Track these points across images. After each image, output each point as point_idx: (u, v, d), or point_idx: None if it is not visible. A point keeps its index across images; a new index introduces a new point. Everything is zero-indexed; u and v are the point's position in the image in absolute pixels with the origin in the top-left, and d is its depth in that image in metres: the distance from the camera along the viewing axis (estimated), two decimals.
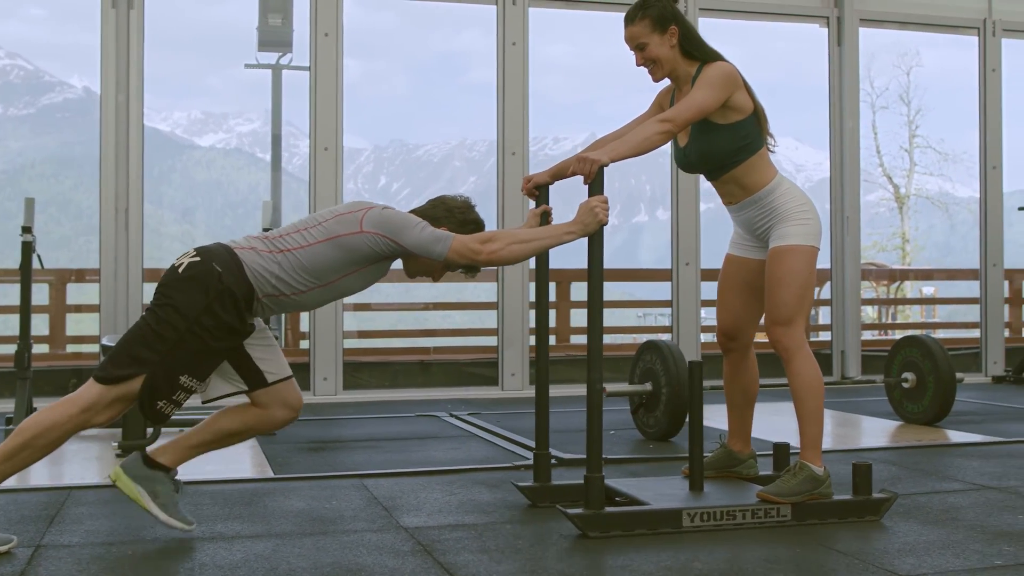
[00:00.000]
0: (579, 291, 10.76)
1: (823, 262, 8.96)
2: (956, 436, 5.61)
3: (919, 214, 39.94)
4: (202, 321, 3.12)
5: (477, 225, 3.44)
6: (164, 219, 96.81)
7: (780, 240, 3.66)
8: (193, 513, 3.63)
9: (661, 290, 8.87)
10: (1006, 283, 10.27)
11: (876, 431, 5.99)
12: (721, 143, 3.65)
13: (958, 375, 6.00)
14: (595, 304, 3.36)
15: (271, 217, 6.04)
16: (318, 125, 7.52)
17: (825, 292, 12.39)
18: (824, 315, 11.58)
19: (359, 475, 4.38)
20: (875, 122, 36.00)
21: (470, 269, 3.40)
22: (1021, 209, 8.94)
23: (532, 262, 3.71)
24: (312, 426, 5.97)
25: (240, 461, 4.75)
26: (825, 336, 10.84)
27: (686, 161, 3.79)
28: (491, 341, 8.06)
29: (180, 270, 3.18)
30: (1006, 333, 10.06)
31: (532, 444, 5.12)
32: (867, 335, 14.54)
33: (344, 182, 7.54)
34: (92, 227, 7.14)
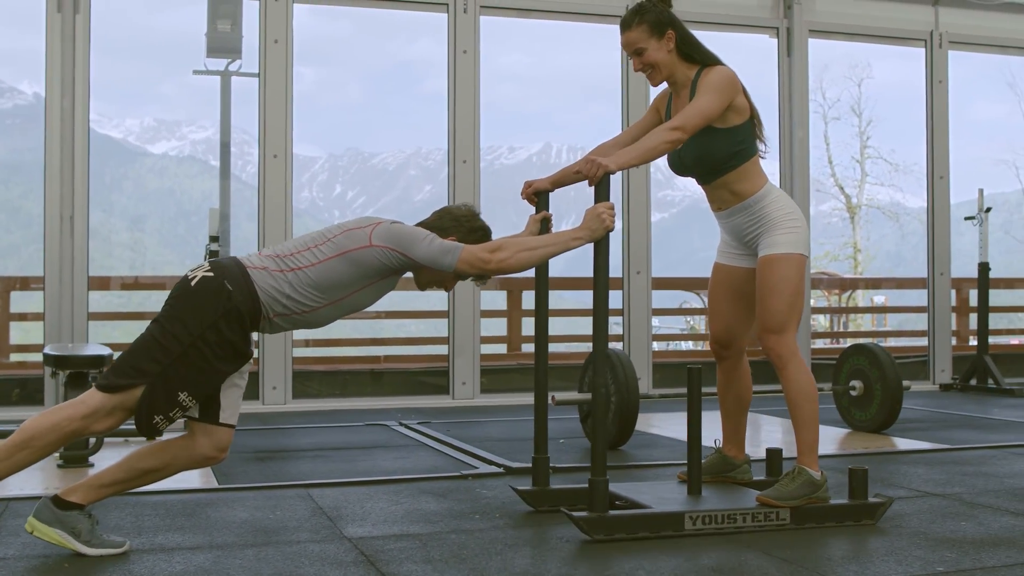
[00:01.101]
0: (529, 300, 10.76)
1: None
2: (903, 443, 5.65)
3: (871, 224, 40.39)
4: (206, 336, 3.09)
5: (484, 232, 3.47)
6: (115, 227, 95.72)
7: (770, 248, 3.70)
8: (134, 525, 3.58)
9: (614, 299, 8.87)
10: (953, 292, 10.38)
11: (824, 439, 5.93)
12: (717, 147, 3.68)
13: (905, 383, 6.05)
14: (600, 310, 3.41)
15: (218, 225, 5.98)
16: (267, 132, 7.46)
17: None
18: None
19: (305, 485, 4.33)
20: (827, 133, 36.43)
21: (480, 277, 3.42)
22: (968, 219, 9.03)
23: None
24: (260, 436, 5.91)
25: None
26: None
27: (680, 164, 3.82)
28: (442, 350, 8.03)
29: (193, 283, 3.16)
30: (953, 341, 10.17)
31: (481, 453, 5.14)
32: (819, 343, 14.67)
33: (299, 190, 7.53)
34: (41, 235, 7.02)
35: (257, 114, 7.50)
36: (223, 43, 8.66)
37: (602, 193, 3.38)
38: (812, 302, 20.33)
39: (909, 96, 9.22)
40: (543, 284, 3.98)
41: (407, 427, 6.26)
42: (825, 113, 36.96)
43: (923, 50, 9.22)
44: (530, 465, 4.68)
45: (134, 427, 3.15)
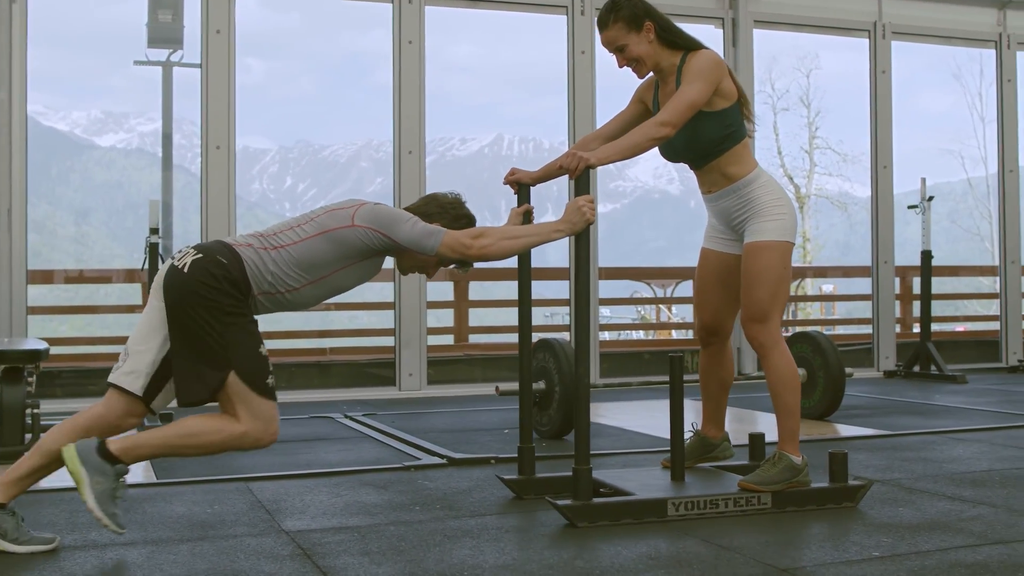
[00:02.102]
0: (477, 291, 10.74)
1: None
2: (845, 430, 5.70)
3: (820, 214, 40.74)
4: (224, 306, 3.13)
5: (469, 220, 3.50)
6: (61, 220, 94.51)
7: (755, 235, 3.71)
8: (68, 521, 3.52)
9: (561, 289, 8.88)
10: (898, 280, 10.49)
11: (769, 426, 6.03)
12: (707, 131, 3.69)
13: (847, 370, 6.10)
14: (582, 301, 3.45)
15: (159, 217, 5.91)
16: (210, 123, 7.38)
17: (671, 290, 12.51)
18: None
19: (244, 478, 4.29)
20: (776, 124, 36.64)
21: (462, 264, 3.48)
22: (911, 208, 9.12)
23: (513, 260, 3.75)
24: None
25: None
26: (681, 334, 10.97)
27: (671, 150, 3.82)
28: (389, 341, 7.99)
29: (185, 270, 3.16)
30: (898, 329, 10.28)
31: (424, 444, 5.11)
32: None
33: (249, 183, 7.47)
34: None
35: (199, 105, 7.40)
36: (164, 33, 8.54)
37: (583, 186, 3.42)
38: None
39: (856, 87, 9.28)
40: (526, 275, 3.98)
41: (352, 419, 6.22)
42: (774, 104, 37.19)
43: (867, 40, 9.29)
44: (474, 456, 4.71)
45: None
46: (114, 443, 3.17)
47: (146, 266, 5.84)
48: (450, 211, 3.48)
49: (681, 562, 2.97)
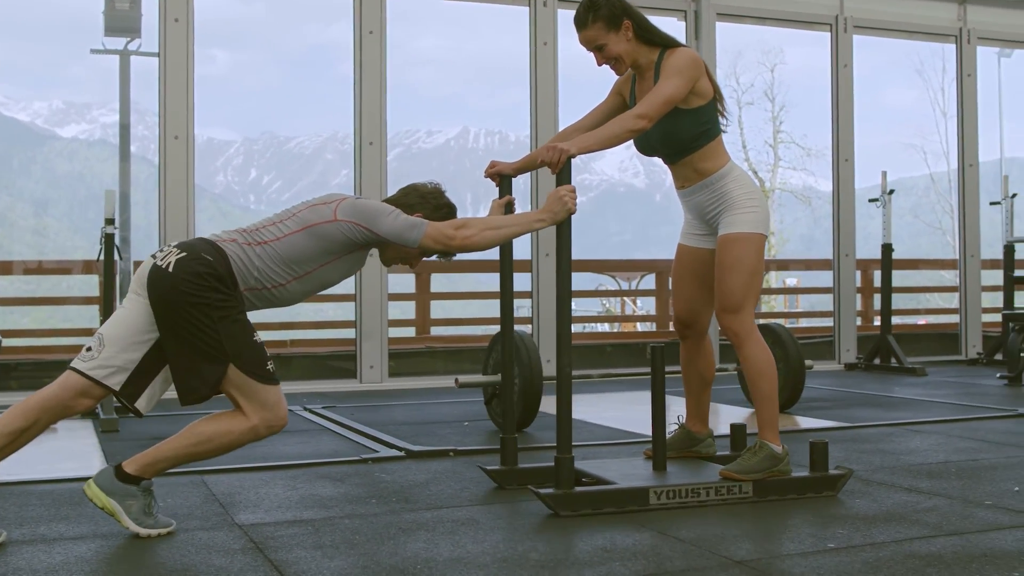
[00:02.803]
0: (438, 283, 10.71)
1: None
2: (805, 422, 5.71)
3: (784, 208, 41.01)
4: (213, 301, 3.10)
5: (450, 209, 3.51)
6: (23, 212, 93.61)
7: (729, 228, 3.77)
8: (17, 516, 3.47)
9: (523, 281, 8.85)
10: (859, 273, 10.54)
11: (730, 418, 6.04)
12: (683, 128, 3.73)
13: (807, 362, 6.11)
14: (563, 292, 3.47)
15: (115, 207, 5.83)
16: (168, 113, 7.29)
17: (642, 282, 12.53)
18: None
19: (199, 471, 4.23)
20: (741, 118, 36.81)
21: (445, 255, 3.45)
22: (872, 201, 9.16)
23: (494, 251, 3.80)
24: (157, 422, 5.77)
25: (74, 459, 4.57)
26: (646, 327, 11.00)
27: (647, 144, 3.86)
28: (350, 333, 7.94)
29: (170, 268, 3.12)
30: (859, 322, 10.33)
31: (383, 436, 5.08)
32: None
33: (213, 175, 7.41)
34: None
35: (157, 95, 7.31)
36: (122, 22, 8.43)
37: (564, 177, 3.43)
38: None
39: (820, 82, 9.31)
40: (507, 266, 3.99)
41: (311, 412, 6.18)
42: (739, 98, 37.36)
43: (828, 34, 9.32)
44: (432, 448, 4.69)
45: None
46: (131, 464, 3.19)
47: (102, 257, 5.76)
48: (431, 201, 3.49)
49: (636, 554, 2.95)
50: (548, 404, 6.45)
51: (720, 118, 3.85)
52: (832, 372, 8.80)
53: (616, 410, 6.19)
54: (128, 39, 8.46)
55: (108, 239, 5.74)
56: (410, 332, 10.15)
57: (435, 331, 10.09)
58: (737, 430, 4.18)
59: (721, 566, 2.83)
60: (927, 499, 3.67)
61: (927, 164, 43.83)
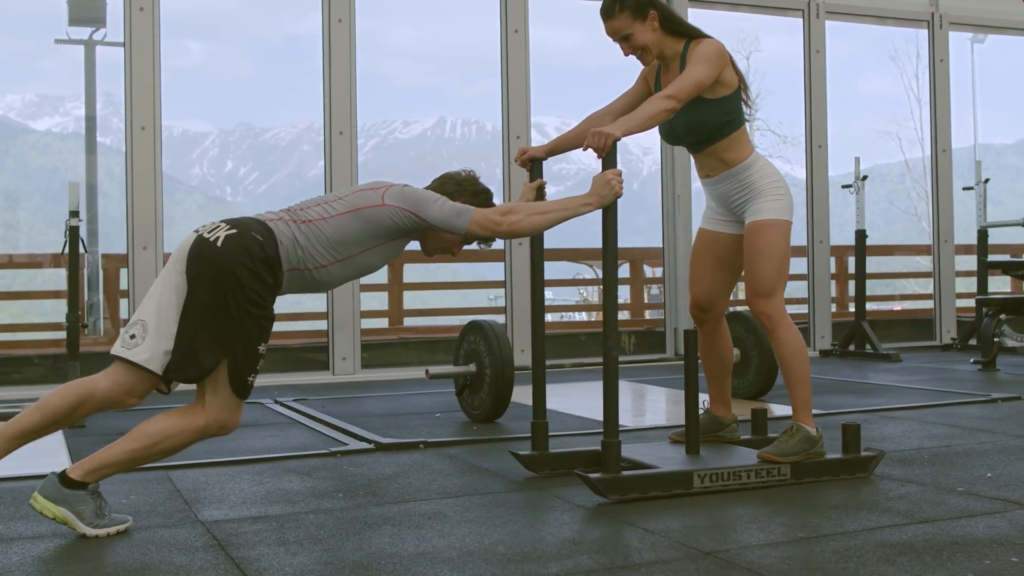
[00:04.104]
0: (411, 273, 10.64)
1: (655, 240, 9.03)
2: (779, 409, 5.68)
3: None
4: (255, 287, 3.09)
5: (487, 195, 3.54)
6: None
7: (757, 215, 3.83)
8: None
9: (496, 271, 8.81)
10: (833, 260, 10.53)
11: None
12: (708, 117, 3.79)
13: None
14: (610, 275, 3.48)
15: (79, 199, 5.74)
16: (134, 104, 7.19)
17: (659, 271, 12.50)
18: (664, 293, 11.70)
19: (164, 467, 4.16)
20: None
21: (486, 240, 3.47)
22: (845, 187, 9.15)
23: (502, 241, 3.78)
24: (124, 417, 5.67)
25: (39, 456, 4.48)
26: (657, 314, 10.98)
27: (672, 133, 3.91)
28: (323, 325, 7.87)
29: (218, 243, 3.10)
30: (833, 308, 10.32)
31: (353, 429, 5.02)
32: None
33: (189, 167, 7.32)
34: None
35: (123, 85, 7.21)
36: (86, 12, 8.30)
37: (610, 161, 3.44)
38: None
39: (795, 69, 9.28)
40: (538, 253, 4.01)
41: (282, 405, 6.11)
42: None
43: (801, 20, 9.29)
44: (402, 441, 4.64)
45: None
46: (76, 470, 3.11)
47: (66, 250, 5.68)
48: (468, 188, 3.51)
49: (604, 547, 2.91)
50: (526, 394, 6.43)
51: (745, 107, 3.90)
52: (812, 358, 8.77)
53: (588, 400, 6.14)
54: (93, 29, 8.34)
55: (73, 232, 5.66)
56: (383, 323, 10.08)
57: (408, 322, 10.02)
58: (758, 414, 4.26)
59: (689, 557, 2.79)
60: (900, 486, 3.65)
61: (902, 151, 43.97)
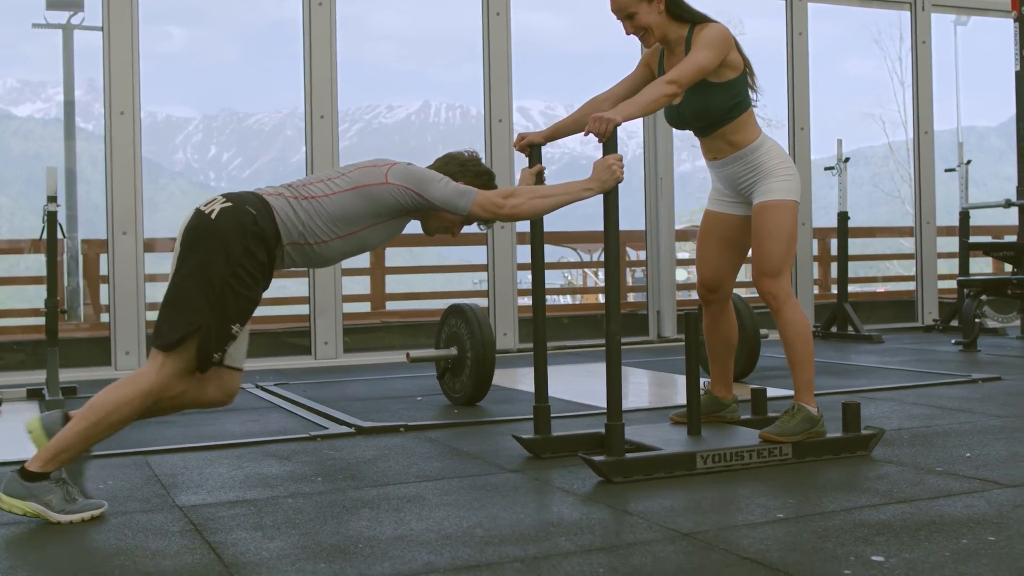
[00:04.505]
0: (394, 257, 10.61)
1: (638, 223, 9.03)
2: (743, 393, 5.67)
3: None
4: (243, 263, 3.09)
5: (489, 176, 3.55)
6: None
7: (765, 195, 3.84)
8: None
9: (478, 254, 8.79)
10: (815, 241, 10.54)
11: (684, 389, 6.01)
12: (715, 101, 3.79)
13: (762, 331, 6.09)
14: (611, 259, 3.48)
15: (56, 184, 5.69)
16: (113, 88, 7.15)
17: (642, 254, 12.52)
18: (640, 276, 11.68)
19: (142, 452, 4.15)
20: None
21: (487, 222, 3.51)
22: (828, 169, 9.15)
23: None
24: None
25: (16, 442, 4.45)
26: (640, 296, 10.98)
27: (679, 118, 3.92)
28: (304, 309, 7.85)
29: (213, 216, 3.12)
30: (816, 290, 10.34)
31: (333, 413, 5.00)
32: (694, 294, 14.81)
33: (172, 152, 7.30)
34: None
35: (101, 70, 7.16)
36: None
37: (610, 146, 3.46)
38: (684, 255, 20.44)
39: (779, 53, 9.26)
40: (538, 238, 4.02)
41: (263, 389, 6.09)
42: None
43: (783, 2, 9.28)
44: (382, 424, 4.63)
45: None
46: (34, 462, 3.08)
47: (44, 236, 5.63)
48: (471, 169, 3.51)
49: (583, 529, 2.90)
50: (507, 378, 6.43)
51: (751, 91, 3.90)
52: None
53: (568, 383, 6.14)
54: (71, 13, 8.27)
55: (51, 217, 5.61)
56: (365, 307, 10.05)
57: (391, 306, 9.99)
58: (758, 395, 4.30)
59: (668, 539, 2.79)
60: (879, 466, 3.65)
61: (885, 133, 44.07)
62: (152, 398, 3.11)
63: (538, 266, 4.05)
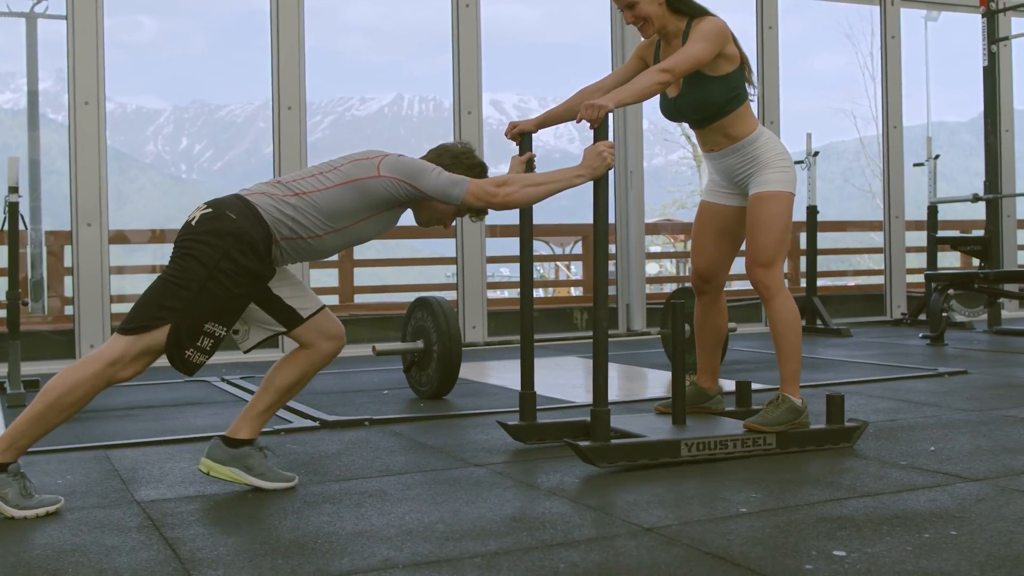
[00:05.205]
0: (361, 250, 10.53)
1: (608, 217, 9.00)
2: (727, 385, 5.65)
3: None
4: (222, 267, 3.10)
5: (483, 168, 3.54)
6: None
7: (761, 187, 3.87)
8: None
9: (448, 246, 8.75)
10: None
11: (657, 382, 6.03)
12: (713, 94, 3.82)
13: (730, 324, 6.06)
14: (600, 247, 3.52)
15: (17, 175, 5.61)
16: (77, 78, 7.06)
17: (611, 248, 12.48)
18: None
19: (103, 446, 4.10)
20: None
21: (480, 212, 3.53)
22: (797, 163, 9.15)
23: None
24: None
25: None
26: (610, 290, 10.96)
27: (676, 111, 3.95)
28: None
29: (194, 223, 3.17)
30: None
31: (298, 407, 4.96)
32: (668, 288, 14.80)
33: (143, 144, 7.23)
34: None
35: (66, 59, 7.08)
36: None
37: (601, 133, 3.48)
38: (656, 248, 20.40)
39: (750, 48, 9.25)
40: (527, 230, 4.05)
41: (228, 383, 6.04)
42: None
43: None
44: (347, 418, 4.59)
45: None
46: (235, 429, 3.29)
47: (6, 227, 5.55)
48: (464, 160, 3.50)
49: (545, 524, 2.88)
50: (475, 371, 6.40)
51: (748, 85, 3.92)
52: (758, 334, 8.81)
53: (538, 377, 6.10)
54: (35, 1, 8.17)
55: (12, 208, 5.54)
56: (334, 300, 10.00)
57: (361, 299, 9.94)
58: (742, 387, 4.33)
59: (631, 533, 2.77)
60: (844, 460, 3.65)
61: (857, 128, 44.30)
62: (105, 379, 3.08)
63: (526, 257, 4.07)
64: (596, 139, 3.49)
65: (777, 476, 3.42)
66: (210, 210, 3.18)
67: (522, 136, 3.99)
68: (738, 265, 4.33)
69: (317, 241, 3.27)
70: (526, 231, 4.05)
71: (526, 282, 4.07)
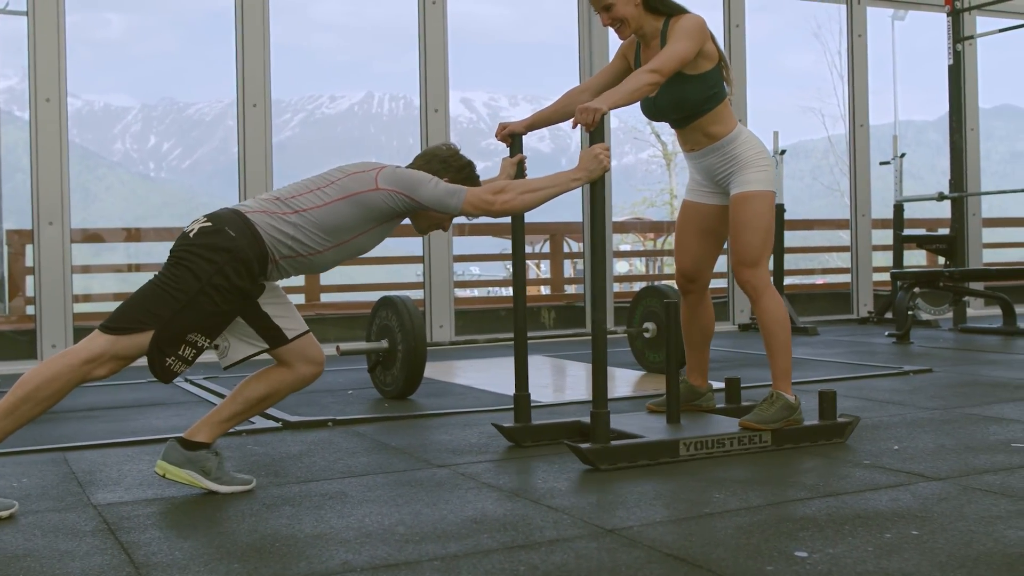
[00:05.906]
0: None
1: (576, 215, 8.99)
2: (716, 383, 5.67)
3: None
4: (215, 282, 3.09)
5: (470, 167, 3.54)
6: None
7: (743, 186, 3.89)
8: None
9: (414, 245, 8.72)
10: None
11: (621, 381, 6.01)
12: (692, 92, 3.83)
13: None
14: (597, 248, 3.53)
15: None
16: (38, 74, 6.98)
17: (575, 246, 12.52)
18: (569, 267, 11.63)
19: (61, 448, 4.04)
20: None
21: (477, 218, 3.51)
22: None
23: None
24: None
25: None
26: (578, 289, 10.95)
27: (655, 109, 3.94)
28: None
29: (192, 235, 3.16)
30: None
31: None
32: (637, 286, 14.82)
33: (111, 142, 7.17)
34: None
35: (26, 55, 7.00)
36: None
37: (597, 136, 3.47)
38: (626, 246, 20.40)
39: (722, 46, 9.28)
40: (519, 230, 4.05)
41: (191, 383, 5.98)
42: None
43: None
44: (310, 419, 4.55)
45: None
46: (194, 431, 3.29)
47: None
48: (453, 164, 3.50)
49: (506, 525, 2.85)
50: (442, 370, 6.37)
51: (726, 84, 3.92)
52: (726, 333, 8.82)
53: (501, 376, 6.09)
54: None
55: None
56: (300, 299, 9.93)
57: (327, 298, 9.87)
58: (732, 383, 4.36)
59: (592, 535, 2.74)
60: (807, 460, 3.64)
61: (825, 127, 44.57)
62: (80, 375, 3.05)
63: (519, 257, 4.06)
64: (592, 142, 3.48)
65: (739, 476, 3.40)
66: (209, 224, 3.16)
67: (512, 138, 3.98)
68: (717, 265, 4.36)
69: (318, 257, 3.28)
70: (518, 233, 4.05)
71: (519, 283, 4.06)
